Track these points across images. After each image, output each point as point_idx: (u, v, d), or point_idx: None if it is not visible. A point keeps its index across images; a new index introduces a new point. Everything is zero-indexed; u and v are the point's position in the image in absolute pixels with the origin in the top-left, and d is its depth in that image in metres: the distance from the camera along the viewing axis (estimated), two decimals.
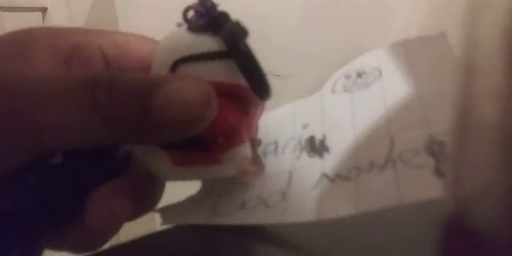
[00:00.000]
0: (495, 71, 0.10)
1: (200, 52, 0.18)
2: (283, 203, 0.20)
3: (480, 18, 0.11)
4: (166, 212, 0.23)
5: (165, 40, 0.20)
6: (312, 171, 0.21)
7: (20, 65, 0.18)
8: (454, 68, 0.20)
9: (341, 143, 0.21)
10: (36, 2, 0.73)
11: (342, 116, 0.22)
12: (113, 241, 0.21)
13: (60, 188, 0.19)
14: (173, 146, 0.19)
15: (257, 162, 0.23)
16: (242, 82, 0.19)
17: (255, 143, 0.22)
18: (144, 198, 0.21)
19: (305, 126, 0.24)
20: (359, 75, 0.24)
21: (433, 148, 0.18)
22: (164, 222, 0.22)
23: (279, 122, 0.25)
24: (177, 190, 0.24)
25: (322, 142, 0.22)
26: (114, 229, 0.20)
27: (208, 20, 0.19)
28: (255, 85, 0.19)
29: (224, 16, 0.19)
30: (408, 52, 0.23)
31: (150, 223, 0.32)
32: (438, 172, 0.17)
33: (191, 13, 0.19)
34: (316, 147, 0.22)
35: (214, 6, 0.19)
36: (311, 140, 0.22)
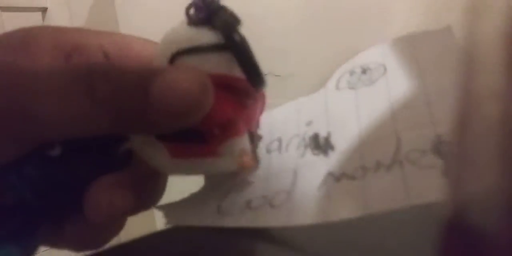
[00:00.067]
0: (495, 70, 0.10)
1: (198, 45, 0.19)
2: (288, 203, 0.20)
3: (480, 18, 0.11)
4: (170, 211, 0.22)
5: (166, 34, 0.20)
6: (317, 169, 0.21)
7: (21, 60, 0.19)
8: (460, 63, 0.20)
9: (346, 141, 0.21)
10: (36, 2, 0.73)
11: (347, 113, 0.22)
12: (113, 241, 0.21)
13: (59, 180, 0.19)
14: (170, 138, 0.19)
15: (254, 157, 0.22)
16: (240, 74, 0.19)
17: (254, 137, 0.22)
18: (145, 192, 0.21)
19: (309, 123, 0.23)
20: (363, 71, 0.23)
21: (441, 148, 0.18)
22: (169, 222, 0.22)
23: (282, 119, 0.25)
24: (179, 188, 0.24)
25: (327, 139, 0.22)
26: (115, 223, 0.20)
27: (206, 13, 0.19)
28: (249, 73, 0.19)
29: (223, 9, 0.19)
30: (413, 47, 0.22)
31: (150, 223, 0.32)
32: (447, 173, 0.17)
33: (193, 10, 0.20)
34: (320, 144, 0.22)
35: (213, 0, 0.19)
36: (316, 137, 0.22)
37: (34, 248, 0.19)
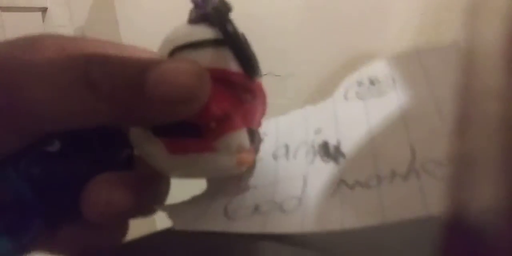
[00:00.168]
0: (495, 70, 0.10)
1: (196, 40, 0.19)
2: (301, 209, 0.20)
3: (480, 18, 0.11)
4: (174, 212, 0.22)
5: (167, 34, 0.20)
6: (327, 176, 0.21)
7: (19, 54, 0.18)
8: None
9: (356, 149, 0.21)
10: (36, 2, 0.73)
11: (357, 122, 0.22)
12: None
13: (57, 176, 0.19)
14: (168, 133, 0.19)
15: (253, 154, 0.22)
16: (237, 69, 0.19)
17: (255, 136, 0.22)
18: (146, 193, 0.21)
19: (317, 131, 0.23)
20: (372, 82, 0.24)
21: None
22: (176, 226, 0.21)
23: (289, 126, 0.25)
24: (182, 193, 0.23)
25: (337, 147, 0.22)
26: (115, 224, 0.20)
27: (205, 11, 0.19)
28: (242, 60, 0.19)
29: (222, 6, 0.19)
30: (421, 61, 0.23)
31: (150, 223, 0.32)
32: None
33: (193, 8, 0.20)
34: (330, 152, 0.22)
35: None
36: (325, 145, 0.22)
37: (27, 244, 0.19)
